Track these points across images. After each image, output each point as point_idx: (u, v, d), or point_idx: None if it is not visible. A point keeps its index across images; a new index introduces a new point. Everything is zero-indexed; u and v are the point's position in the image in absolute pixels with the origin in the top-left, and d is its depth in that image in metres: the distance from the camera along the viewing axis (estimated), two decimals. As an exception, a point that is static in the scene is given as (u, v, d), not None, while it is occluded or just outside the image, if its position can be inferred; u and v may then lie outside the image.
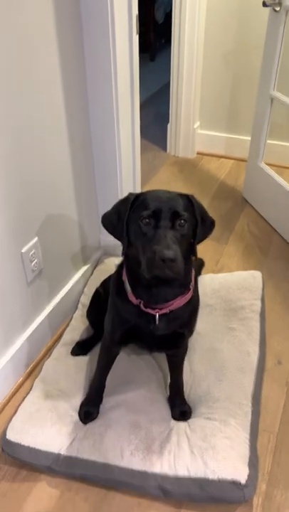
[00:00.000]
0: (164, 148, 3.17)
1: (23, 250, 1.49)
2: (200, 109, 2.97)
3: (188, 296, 1.21)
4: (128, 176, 1.89)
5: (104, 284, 1.63)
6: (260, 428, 1.44)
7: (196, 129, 2.99)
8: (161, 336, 1.23)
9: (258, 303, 1.77)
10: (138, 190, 1.98)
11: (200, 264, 1.96)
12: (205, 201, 2.57)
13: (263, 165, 2.39)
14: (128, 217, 1.12)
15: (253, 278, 1.86)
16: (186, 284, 1.20)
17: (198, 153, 3.10)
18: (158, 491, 1.27)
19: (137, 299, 1.19)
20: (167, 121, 3.04)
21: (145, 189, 2.60)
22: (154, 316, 1.19)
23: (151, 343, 1.30)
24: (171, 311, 1.19)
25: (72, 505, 1.30)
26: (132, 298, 1.20)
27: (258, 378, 1.53)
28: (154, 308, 1.19)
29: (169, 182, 2.80)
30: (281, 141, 2.76)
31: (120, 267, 1.28)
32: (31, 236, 1.53)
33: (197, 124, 3.00)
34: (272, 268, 2.11)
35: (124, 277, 1.23)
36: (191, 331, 1.35)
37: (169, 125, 3.04)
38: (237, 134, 2.95)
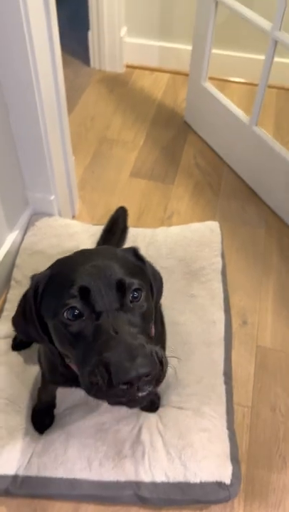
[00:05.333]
0: (86, 61, 2.67)
1: None
2: (126, 11, 2.46)
3: None
4: (50, 105, 1.46)
5: None
6: (233, 403, 1.34)
7: (123, 37, 2.51)
8: None
9: (219, 260, 1.58)
10: (65, 120, 1.54)
11: (122, 214, 1.61)
12: (143, 130, 2.23)
13: (207, 84, 2.06)
14: (38, 316, 0.75)
15: (210, 231, 1.64)
16: None
17: (127, 67, 2.65)
18: (135, 499, 1.15)
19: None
20: (86, 26, 2.51)
21: (71, 119, 2.17)
22: None
23: None
24: None
25: (40, 527, 1.15)
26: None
27: (227, 350, 1.40)
28: None
29: (98, 107, 2.39)
30: (225, 50, 2.39)
31: None
32: None
33: (124, 30, 2.52)
34: (226, 209, 1.90)
35: None
36: None
37: (90, 32, 2.52)
38: (172, 42, 2.52)
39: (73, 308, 0.68)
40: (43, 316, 0.75)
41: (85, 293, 0.67)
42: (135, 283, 0.70)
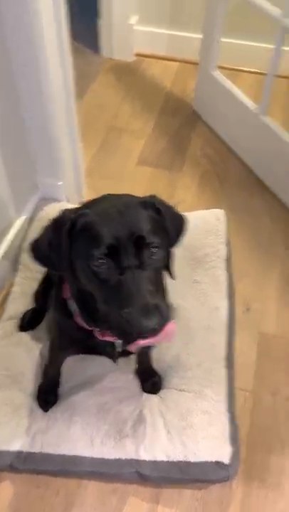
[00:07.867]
0: (97, 50, 2.67)
1: None
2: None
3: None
4: (59, 91, 1.48)
5: None
6: (235, 388, 1.35)
7: (133, 25, 2.51)
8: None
9: (223, 247, 1.59)
10: (72, 110, 1.57)
11: None
12: (152, 119, 2.24)
13: (216, 73, 2.06)
14: (69, 252, 0.81)
15: (216, 219, 1.65)
16: None
17: (137, 55, 2.65)
18: (135, 476, 1.18)
19: (89, 325, 0.92)
20: (96, 14, 2.51)
21: (80, 107, 2.19)
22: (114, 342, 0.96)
23: (113, 356, 1.04)
24: None
25: (42, 502, 1.18)
26: (81, 322, 0.93)
27: (229, 335, 1.41)
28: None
29: (107, 96, 2.39)
30: (235, 38, 2.38)
31: (60, 279, 0.99)
32: None
33: (134, 18, 2.51)
34: (234, 199, 1.91)
35: (68, 295, 0.94)
36: None
37: (99, 21, 2.52)
38: (182, 30, 2.51)
39: (102, 260, 0.76)
40: (71, 252, 0.81)
41: (113, 250, 0.76)
42: (155, 242, 0.78)
